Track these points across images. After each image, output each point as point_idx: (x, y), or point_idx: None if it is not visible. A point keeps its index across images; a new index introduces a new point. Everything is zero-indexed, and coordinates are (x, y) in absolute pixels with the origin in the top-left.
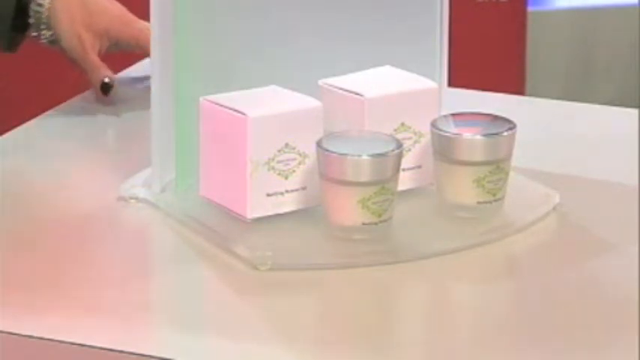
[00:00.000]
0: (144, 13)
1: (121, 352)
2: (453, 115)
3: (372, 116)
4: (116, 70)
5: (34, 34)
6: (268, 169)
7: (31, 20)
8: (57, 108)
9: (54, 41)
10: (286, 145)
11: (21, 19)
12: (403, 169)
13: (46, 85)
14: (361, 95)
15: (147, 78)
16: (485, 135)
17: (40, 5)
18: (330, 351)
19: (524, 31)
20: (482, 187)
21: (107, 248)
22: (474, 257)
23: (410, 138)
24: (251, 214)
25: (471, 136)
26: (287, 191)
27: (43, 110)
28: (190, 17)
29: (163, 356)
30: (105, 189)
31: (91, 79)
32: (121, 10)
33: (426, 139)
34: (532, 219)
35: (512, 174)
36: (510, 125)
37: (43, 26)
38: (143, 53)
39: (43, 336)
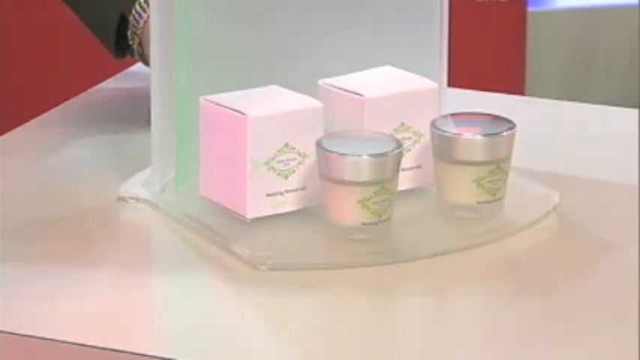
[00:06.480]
0: None
1: (121, 352)
2: (453, 115)
3: (372, 116)
4: (115, 71)
5: (130, 42)
6: (268, 169)
7: (129, 34)
8: (57, 108)
9: (143, 58)
10: (286, 145)
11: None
12: (403, 169)
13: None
14: (361, 95)
15: (146, 78)
16: (485, 135)
17: (135, 26)
18: (330, 351)
19: (524, 31)
20: (482, 187)
21: (107, 248)
22: (474, 257)
23: (410, 138)
24: (251, 214)
25: (471, 136)
26: (287, 191)
27: (43, 110)
28: (190, 17)
29: (163, 356)
30: (105, 189)
31: None
32: None
33: (426, 139)
34: (532, 219)
35: (512, 174)
36: (510, 125)
37: (137, 39)
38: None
39: (43, 336)
